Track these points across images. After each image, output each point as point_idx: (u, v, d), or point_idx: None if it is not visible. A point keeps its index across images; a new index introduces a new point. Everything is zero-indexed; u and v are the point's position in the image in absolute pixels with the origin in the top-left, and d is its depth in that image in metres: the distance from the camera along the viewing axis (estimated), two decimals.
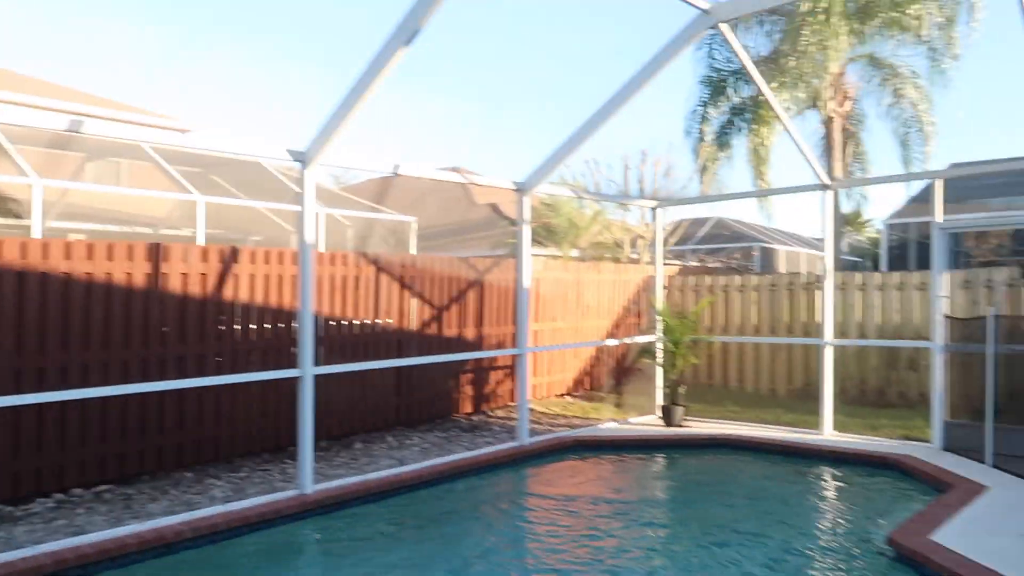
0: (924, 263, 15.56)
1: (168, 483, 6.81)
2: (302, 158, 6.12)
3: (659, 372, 10.13)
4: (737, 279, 12.48)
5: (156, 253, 7.06)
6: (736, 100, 17.09)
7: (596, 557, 5.36)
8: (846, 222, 28.61)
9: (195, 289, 7.34)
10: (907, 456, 7.47)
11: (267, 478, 7.06)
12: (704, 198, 16.87)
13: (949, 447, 7.83)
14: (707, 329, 12.26)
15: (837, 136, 16.84)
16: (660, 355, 10.06)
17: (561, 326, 11.70)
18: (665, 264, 15.48)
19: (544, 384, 11.59)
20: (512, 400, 10.76)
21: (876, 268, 22.73)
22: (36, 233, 9.54)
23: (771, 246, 25.15)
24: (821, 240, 9.26)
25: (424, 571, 5.04)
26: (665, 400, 9.83)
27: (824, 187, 8.96)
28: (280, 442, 8.02)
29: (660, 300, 10.39)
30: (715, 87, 16.98)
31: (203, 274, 7.40)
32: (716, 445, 8.61)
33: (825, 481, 7.46)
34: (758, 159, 16.89)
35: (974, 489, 6.25)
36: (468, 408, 10.30)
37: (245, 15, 57.35)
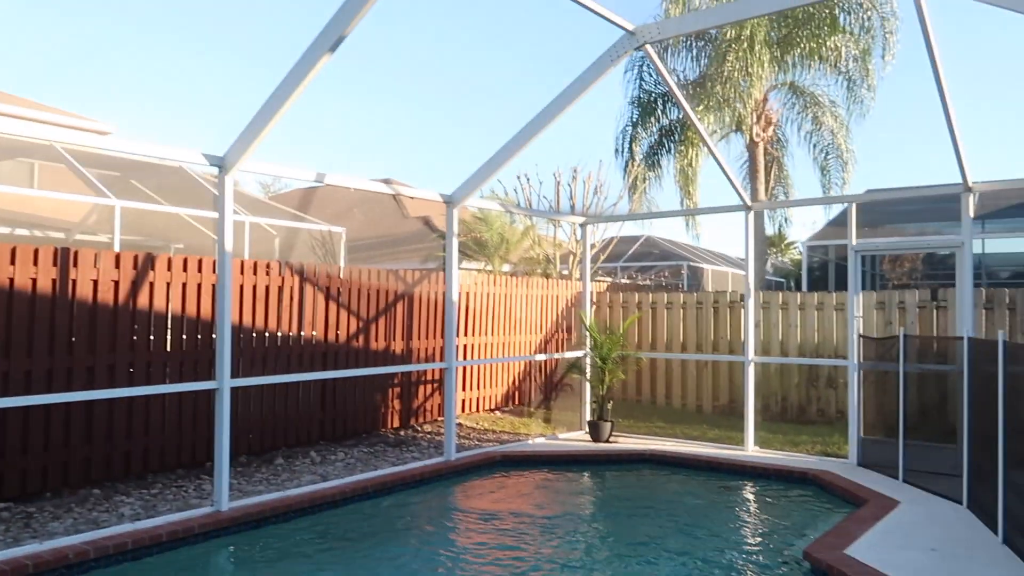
0: (843, 284, 16.14)
1: (73, 500, 6.45)
2: (220, 163, 5.94)
3: (587, 388, 10.18)
4: (665, 296, 12.68)
5: (64, 258, 6.71)
6: (665, 121, 17.48)
7: (517, 572, 5.29)
8: (770, 244, 29.53)
9: (107, 297, 7.00)
10: (825, 472, 7.67)
11: (181, 494, 6.76)
12: (631, 216, 17.15)
13: (864, 463, 8.08)
14: (636, 345, 12.40)
15: (761, 160, 17.38)
16: (588, 370, 10.12)
17: (491, 340, 11.65)
18: (595, 280, 15.65)
19: (474, 399, 11.51)
20: (441, 415, 10.64)
21: (798, 289, 23.49)
22: None
23: (699, 265, 25.74)
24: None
25: None
26: (593, 416, 9.87)
27: (746, 208, 9.20)
28: (196, 457, 7.71)
29: (588, 315, 10.46)
30: (645, 108, 17.34)
31: (115, 281, 7.07)
32: (643, 461, 8.69)
33: (747, 496, 7.59)
34: (686, 179, 17.29)
35: (887, 504, 6.45)
36: (396, 423, 10.13)
37: (173, 16, 55.84)
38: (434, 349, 10.62)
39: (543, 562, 5.56)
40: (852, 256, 8.54)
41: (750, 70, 15.20)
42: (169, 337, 7.53)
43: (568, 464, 8.56)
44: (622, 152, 17.63)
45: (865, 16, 15.54)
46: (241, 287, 8.17)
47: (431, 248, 19.57)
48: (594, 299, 12.96)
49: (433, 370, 10.49)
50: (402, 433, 9.96)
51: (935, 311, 10.33)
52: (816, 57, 15.70)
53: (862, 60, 15.73)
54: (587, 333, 10.17)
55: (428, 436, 9.85)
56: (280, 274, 8.65)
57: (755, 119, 17.06)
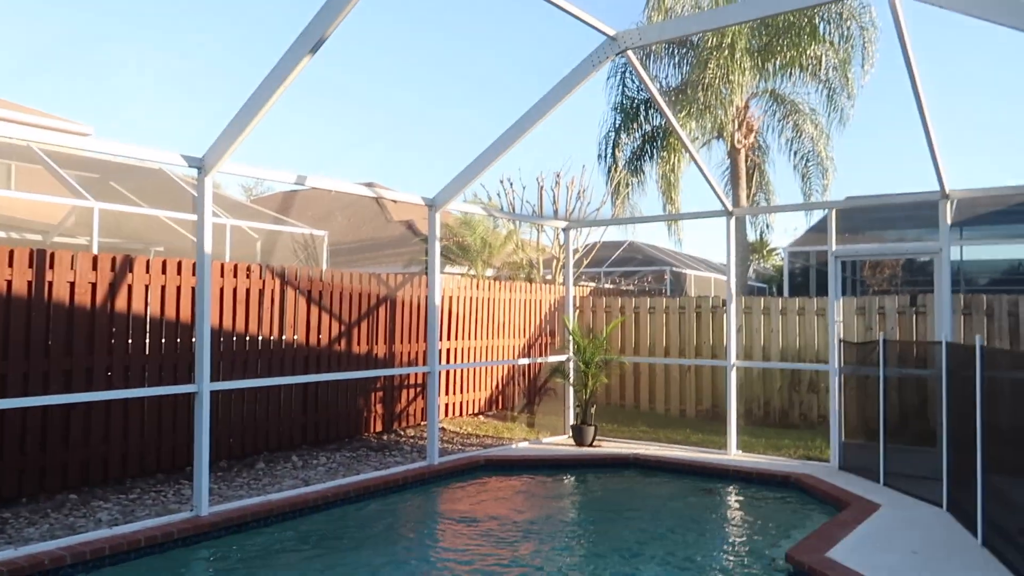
0: (824, 290, 16.26)
1: (50, 506, 6.35)
2: (200, 164, 5.90)
3: (570, 392, 10.18)
4: (648, 301, 12.71)
5: (40, 260, 6.62)
6: (648, 127, 17.55)
7: None
8: (752, 250, 29.73)
9: (84, 299, 6.91)
10: (807, 475, 7.71)
11: (160, 500, 6.68)
12: (613, 220, 17.20)
13: (846, 466, 8.13)
14: (619, 350, 12.42)
15: (742, 166, 17.50)
16: (572, 375, 10.12)
17: (474, 345, 11.63)
18: (578, 285, 15.67)
19: (457, 403, 11.47)
20: (424, 419, 10.59)
21: (780, 294, 23.65)
22: None
23: (682, 270, 25.86)
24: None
25: None
26: (576, 420, 9.87)
27: (728, 213, 9.25)
28: (176, 462, 7.62)
29: (572, 320, 10.47)
30: (627, 114, 17.40)
31: (93, 283, 6.98)
32: (626, 465, 8.69)
33: (729, 500, 7.61)
34: (668, 185, 17.36)
35: (868, 507, 6.49)
36: (379, 427, 10.07)
37: (151, 17, 55.43)
38: (417, 353, 10.58)
39: (526, 566, 5.54)
40: (832, 262, 8.61)
41: (731, 77, 15.31)
42: (148, 340, 7.45)
43: (552, 468, 8.55)
44: (605, 157, 17.67)
45: (845, 26, 15.71)
46: (221, 290, 8.10)
47: (414, 252, 19.53)
48: (577, 304, 12.97)
49: (416, 374, 10.44)
50: (385, 437, 9.91)
51: (914, 316, 10.43)
52: (796, 66, 15.84)
53: (842, 69, 15.87)
54: (570, 337, 10.17)
55: (411, 440, 9.80)
56: (261, 277, 8.58)
57: (736, 126, 17.17)
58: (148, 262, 7.46)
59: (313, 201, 25.12)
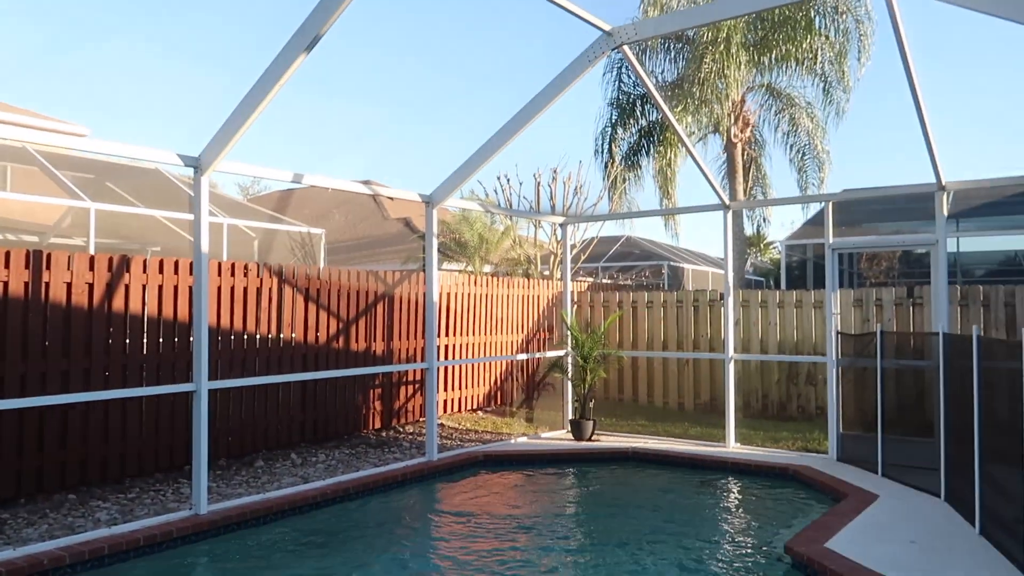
0: (821, 282, 16.28)
1: (48, 506, 6.34)
2: (196, 164, 5.90)
3: (569, 387, 10.19)
4: (646, 296, 12.72)
5: (37, 261, 6.61)
6: (644, 122, 17.55)
7: (499, 573, 5.28)
8: (749, 243, 29.74)
9: (81, 300, 6.90)
10: (805, 467, 7.73)
11: (159, 499, 6.68)
12: (610, 216, 17.20)
13: (844, 458, 8.15)
14: (617, 344, 12.43)
15: (739, 160, 17.50)
16: (570, 370, 10.13)
17: (472, 341, 11.63)
18: (576, 280, 15.68)
19: (456, 399, 11.47)
20: (423, 415, 10.59)
21: (777, 287, 23.68)
22: None
23: (679, 264, 25.88)
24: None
25: None
26: (575, 414, 9.88)
27: (725, 207, 9.26)
28: (175, 461, 7.62)
29: (570, 315, 10.48)
30: (624, 109, 17.40)
31: (89, 284, 6.97)
32: (625, 458, 8.70)
33: (728, 492, 7.62)
34: (665, 180, 17.36)
35: (866, 498, 6.51)
36: (377, 424, 10.08)
37: (145, 16, 55.26)
38: (415, 349, 10.59)
39: (527, 560, 5.55)
40: (829, 254, 8.62)
41: (727, 72, 15.30)
42: (145, 340, 7.44)
43: (551, 463, 8.56)
44: (602, 153, 17.68)
45: (840, 19, 15.70)
46: (219, 289, 8.09)
47: (411, 249, 19.52)
48: (575, 299, 12.98)
49: (414, 371, 10.45)
50: (384, 434, 9.91)
51: (911, 308, 10.45)
52: (792, 59, 15.83)
53: (837, 62, 15.87)
54: (568, 332, 10.18)
55: (410, 437, 9.80)
56: (258, 276, 8.57)
57: (732, 120, 17.17)
58: (145, 262, 7.45)
59: (310, 199, 25.11)
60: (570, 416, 10.05)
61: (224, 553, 5.55)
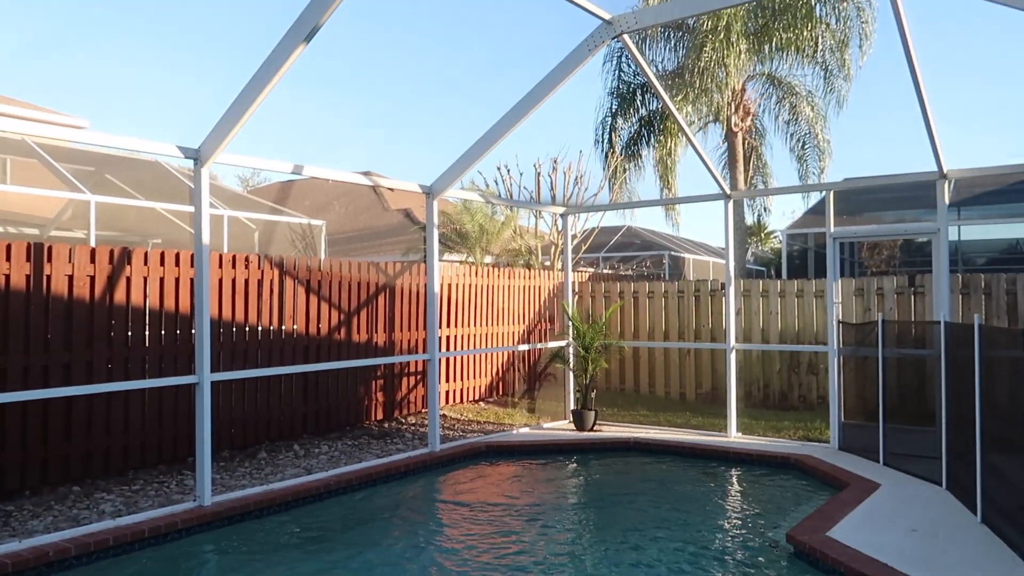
0: (822, 272, 16.27)
1: (53, 498, 6.37)
2: (196, 155, 5.89)
3: (570, 377, 10.20)
4: (647, 286, 12.71)
5: (38, 253, 6.61)
6: (644, 112, 17.50)
7: (504, 563, 5.30)
8: (750, 233, 29.71)
9: (82, 292, 6.91)
10: (807, 456, 7.75)
11: (163, 490, 6.70)
12: (610, 205, 17.18)
13: (845, 447, 8.16)
14: (618, 335, 12.44)
15: (740, 149, 17.46)
16: (571, 360, 10.14)
17: (474, 331, 11.64)
18: (577, 271, 15.68)
19: (458, 390, 11.49)
20: (425, 406, 10.62)
21: (778, 276, 23.68)
22: None
23: (680, 254, 25.85)
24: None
25: None
26: (577, 405, 9.90)
27: (726, 197, 9.24)
28: (178, 452, 7.64)
29: (571, 305, 10.48)
30: (624, 98, 17.35)
31: (91, 276, 6.98)
32: (627, 448, 8.72)
33: (730, 481, 7.64)
34: (665, 169, 17.33)
35: (868, 487, 6.52)
36: (379, 415, 10.10)
37: (143, 7, 55.06)
38: (417, 341, 10.60)
39: (530, 550, 5.57)
40: (831, 243, 8.61)
41: (727, 60, 15.24)
42: (148, 332, 7.45)
43: (553, 453, 8.58)
44: (602, 142, 17.64)
45: (841, 7, 15.62)
46: (220, 281, 8.10)
47: (412, 240, 19.50)
48: (576, 289, 12.98)
49: (416, 362, 10.46)
50: (386, 425, 9.93)
51: (913, 297, 10.44)
52: (793, 48, 15.76)
53: (839, 50, 15.81)
54: (570, 323, 10.19)
55: (412, 428, 9.83)
56: (260, 267, 8.58)
57: (733, 109, 17.12)
58: (146, 254, 7.46)
59: (310, 191, 25.08)
60: (572, 406, 10.06)
61: (229, 544, 5.58)
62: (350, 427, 9.62)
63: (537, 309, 12.95)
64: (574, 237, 16.46)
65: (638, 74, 16.98)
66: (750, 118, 17.75)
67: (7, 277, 6.40)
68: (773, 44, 15.73)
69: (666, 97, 8.66)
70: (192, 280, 7.63)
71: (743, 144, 17.62)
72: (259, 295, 8.52)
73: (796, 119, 17.41)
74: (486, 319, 11.87)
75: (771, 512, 6.47)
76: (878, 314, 9.23)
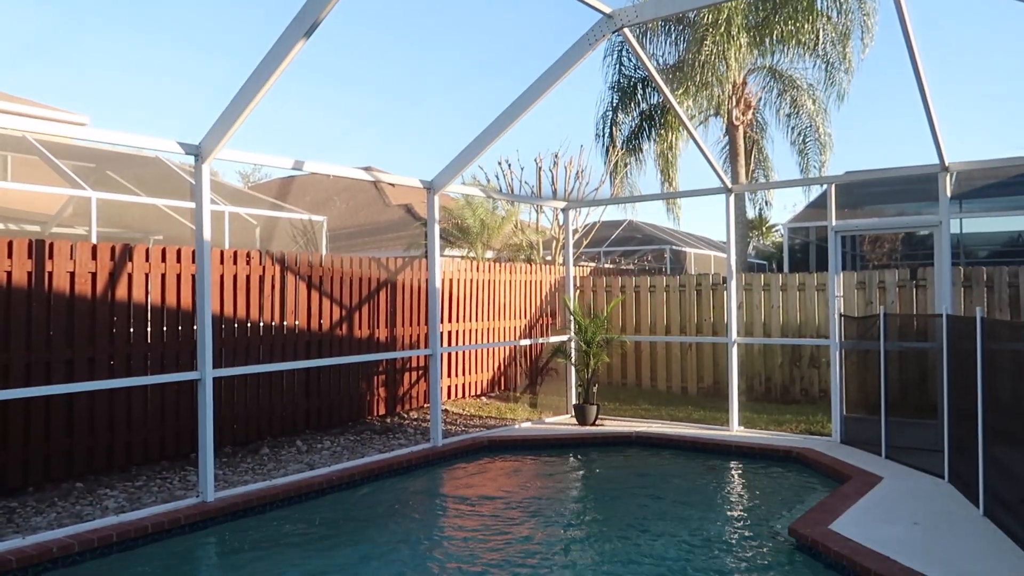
0: (824, 265, 16.25)
1: (56, 495, 6.38)
2: (196, 151, 5.89)
3: (572, 372, 10.21)
4: (648, 280, 12.71)
5: (39, 250, 6.62)
6: (645, 106, 17.47)
7: (506, 557, 5.31)
8: (752, 227, 29.68)
9: (84, 289, 6.92)
10: (808, 449, 7.75)
11: (166, 486, 6.72)
12: (612, 200, 17.16)
13: (847, 440, 8.17)
14: (620, 329, 12.44)
15: (741, 143, 17.42)
16: (573, 354, 10.15)
17: (476, 327, 11.65)
18: (578, 265, 15.67)
19: (460, 385, 11.50)
20: (427, 401, 10.63)
21: (780, 270, 23.67)
22: None
23: (682, 249, 25.83)
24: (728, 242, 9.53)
25: None
26: (579, 399, 9.91)
27: (727, 190, 9.23)
28: (181, 448, 7.66)
29: (572, 300, 10.48)
30: (624, 92, 17.32)
31: (93, 273, 6.98)
32: (629, 443, 8.73)
33: (732, 475, 7.65)
34: (666, 163, 17.30)
35: (870, 480, 6.53)
36: (382, 410, 10.11)
37: (148, 6, 54.99)
38: (418, 336, 10.60)
39: (533, 544, 5.58)
40: (832, 237, 8.60)
41: (727, 54, 15.20)
42: (149, 328, 7.46)
43: (555, 448, 8.59)
44: (603, 137, 17.62)
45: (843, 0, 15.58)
46: (221, 277, 8.10)
47: (414, 235, 19.50)
48: (578, 284, 12.97)
49: (418, 357, 10.47)
50: (388, 420, 9.95)
51: (914, 290, 10.43)
52: (794, 41, 15.72)
53: (840, 43, 15.76)
54: (571, 317, 10.19)
55: (414, 423, 9.84)
56: (261, 263, 8.58)
57: (734, 103, 17.08)
58: (148, 250, 7.46)
59: (311, 187, 25.08)
60: (574, 401, 10.07)
61: (232, 540, 5.59)
62: (352, 423, 9.64)
63: (538, 304, 12.95)
64: (575, 232, 16.45)
65: (639, 68, 16.96)
66: (751, 112, 17.72)
67: (9, 274, 6.40)
68: (774, 37, 15.69)
69: (667, 91, 8.64)
70: (193, 276, 7.64)
71: (744, 138, 17.59)
72: (260, 291, 8.53)
73: (797, 112, 17.38)
74: (488, 314, 11.87)
75: (773, 505, 6.48)
76: (880, 307, 9.22)
